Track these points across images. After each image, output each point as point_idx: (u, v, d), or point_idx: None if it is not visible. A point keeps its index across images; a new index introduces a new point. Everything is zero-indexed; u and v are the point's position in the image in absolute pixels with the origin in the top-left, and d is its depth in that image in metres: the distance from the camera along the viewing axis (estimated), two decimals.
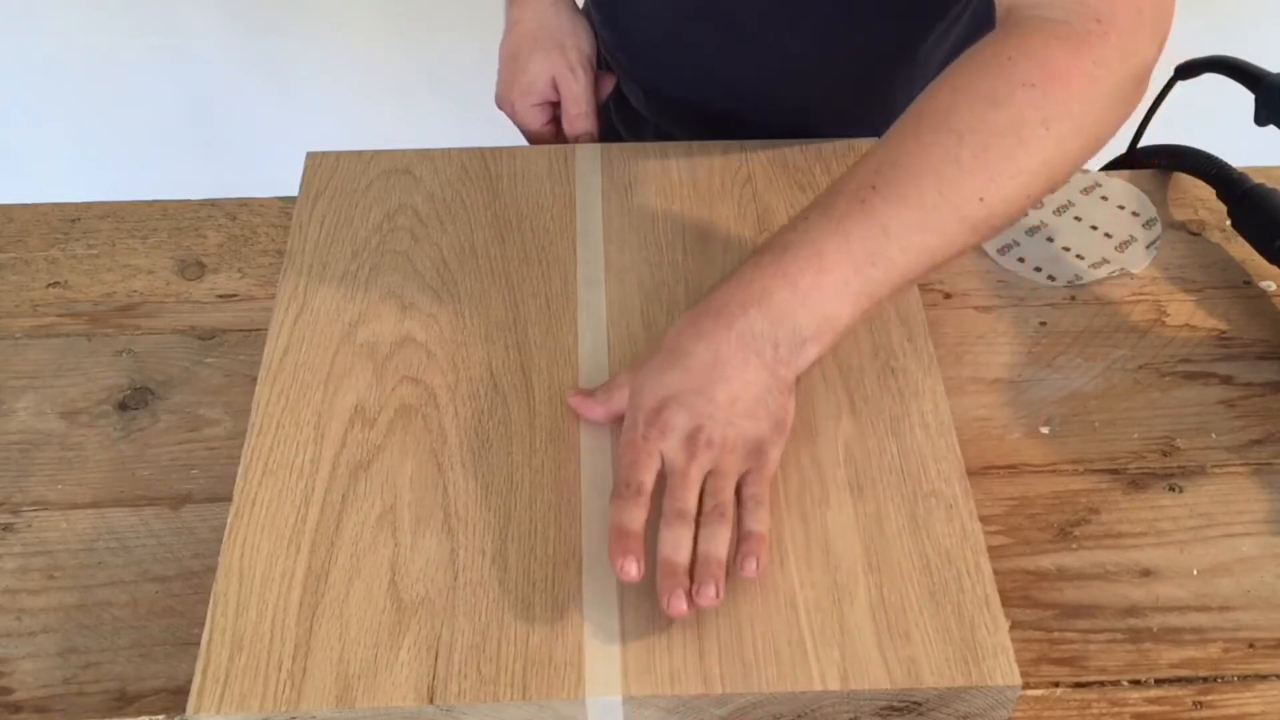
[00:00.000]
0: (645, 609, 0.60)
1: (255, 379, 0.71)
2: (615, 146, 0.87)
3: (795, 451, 0.67)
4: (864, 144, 0.86)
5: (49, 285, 0.86)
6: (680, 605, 0.58)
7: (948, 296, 0.84)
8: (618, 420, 0.67)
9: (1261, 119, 0.85)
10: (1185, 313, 0.83)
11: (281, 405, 0.69)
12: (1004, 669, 0.58)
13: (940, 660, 0.58)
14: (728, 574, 0.59)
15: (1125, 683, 0.65)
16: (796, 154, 0.85)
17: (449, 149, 0.86)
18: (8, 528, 0.71)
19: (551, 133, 0.98)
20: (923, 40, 0.89)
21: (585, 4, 1.01)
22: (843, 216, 0.63)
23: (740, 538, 0.61)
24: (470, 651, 0.59)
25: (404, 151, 0.86)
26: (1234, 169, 0.88)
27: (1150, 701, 0.65)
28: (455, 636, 0.59)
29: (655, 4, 0.93)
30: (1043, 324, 0.82)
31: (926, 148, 0.63)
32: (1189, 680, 0.65)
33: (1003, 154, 0.62)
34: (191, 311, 0.84)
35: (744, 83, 0.93)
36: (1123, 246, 0.87)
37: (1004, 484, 0.74)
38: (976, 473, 0.73)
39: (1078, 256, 0.86)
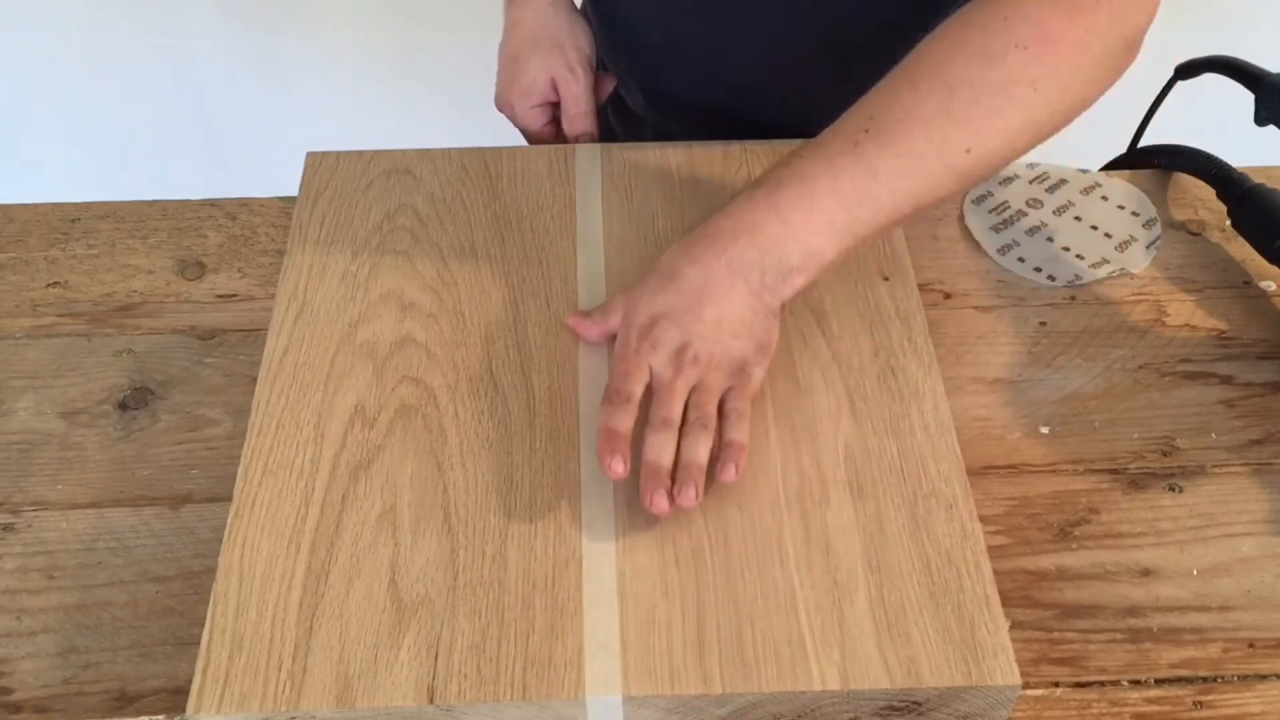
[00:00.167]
0: (645, 609, 0.60)
1: (255, 379, 0.71)
2: (615, 146, 0.87)
3: (795, 451, 0.67)
4: None
5: (49, 285, 0.86)
6: (662, 503, 0.62)
7: (948, 296, 0.84)
8: (613, 339, 0.70)
9: (1261, 119, 0.85)
10: (1185, 313, 0.83)
11: (281, 405, 0.69)
12: (1004, 669, 0.58)
13: (940, 660, 0.58)
14: (708, 482, 0.64)
15: (1125, 683, 0.65)
16: None
17: (449, 149, 0.86)
18: (8, 528, 0.71)
19: (551, 133, 0.98)
20: (922, 34, 0.89)
21: (583, 4, 1.01)
22: (835, 157, 0.67)
23: (721, 446, 0.65)
24: (470, 651, 0.59)
25: (404, 151, 0.86)
26: (1234, 169, 0.88)
27: (1150, 701, 0.65)
28: (455, 636, 0.59)
29: (652, 1, 0.93)
30: (1043, 324, 0.82)
31: (920, 98, 0.66)
32: (1189, 680, 0.65)
33: (991, 110, 0.66)
34: (191, 311, 0.84)
35: (742, 79, 0.93)
36: (1123, 246, 0.87)
37: (1004, 484, 0.74)
38: (976, 473, 0.73)
39: (1078, 256, 0.86)
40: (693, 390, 0.66)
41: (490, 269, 0.78)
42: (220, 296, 0.85)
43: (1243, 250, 0.87)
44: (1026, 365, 0.80)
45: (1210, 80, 0.90)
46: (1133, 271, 0.86)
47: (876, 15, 0.86)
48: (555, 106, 0.97)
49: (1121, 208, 0.90)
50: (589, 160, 0.85)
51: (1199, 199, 0.91)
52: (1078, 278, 0.85)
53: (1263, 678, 0.65)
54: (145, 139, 1.83)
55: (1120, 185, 0.92)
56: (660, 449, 0.64)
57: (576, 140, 0.95)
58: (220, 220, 0.91)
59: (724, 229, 0.68)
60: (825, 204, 0.66)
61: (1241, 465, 0.74)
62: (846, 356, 0.72)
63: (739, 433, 0.65)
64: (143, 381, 0.79)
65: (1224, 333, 0.82)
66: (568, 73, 0.95)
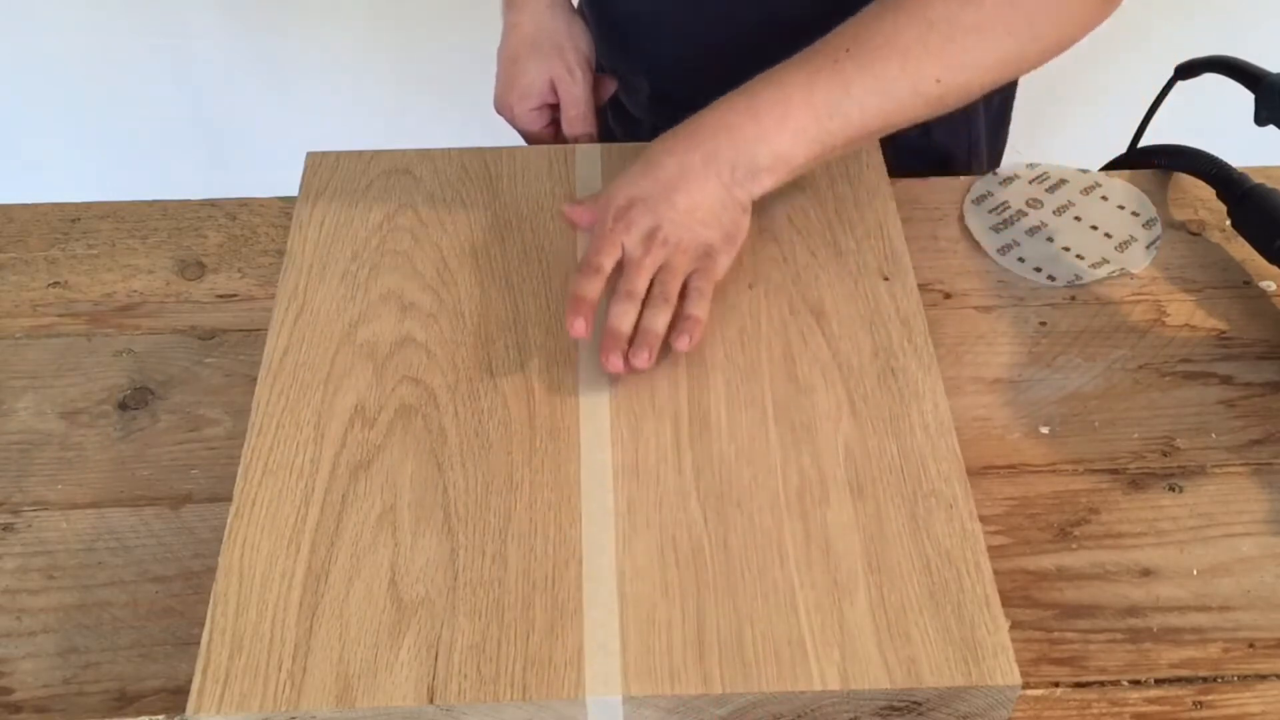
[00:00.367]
0: (645, 609, 0.60)
1: (255, 379, 0.71)
2: (615, 147, 0.87)
3: (795, 451, 0.67)
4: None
5: (49, 285, 0.86)
6: (617, 363, 0.69)
7: (948, 296, 0.84)
8: None
9: (1261, 119, 0.85)
10: (1185, 313, 0.83)
11: (281, 405, 0.69)
12: (1004, 669, 0.58)
13: (940, 660, 0.58)
14: (664, 350, 0.70)
15: (1125, 683, 0.65)
16: None
17: (449, 149, 0.86)
18: (8, 528, 0.71)
19: (551, 135, 0.98)
20: None
21: (579, 4, 1.01)
22: (814, 72, 0.72)
23: (679, 318, 0.71)
24: (470, 651, 0.59)
25: (404, 151, 0.86)
26: (1234, 169, 0.88)
27: (1150, 701, 0.65)
28: (455, 636, 0.59)
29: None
30: (1043, 324, 0.82)
31: (900, 29, 0.71)
32: (1189, 680, 0.65)
33: (964, 48, 0.71)
34: (191, 311, 0.84)
35: (743, 76, 0.93)
36: (1123, 246, 0.87)
37: (1004, 484, 0.74)
38: (976, 473, 0.73)
39: (1078, 256, 0.86)
40: (659, 269, 0.72)
41: (490, 269, 0.78)
42: (220, 296, 0.85)
43: (1243, 250, 0.87)
44: (1026, 365, 0.80)
45: (1210, 80, 0.90)
46: (1133, 271, 0.86)
47: None
48: (554, 108, 0.97)
49: (1121, 208, 0.90)
50: (589, 160, 0.86)
51: (1199, 199, 0.91)
52: (1078, 278, 0.85)
53: (1263, 678, 0.65)
54: (145, 139, 1.83)
55: (1120, 185, 0.92)
56: (622, 317, 0.70)
57: (576, 141, 0.95)
58: (220, 220, 0.91)
59: (704, 126, 0.73)
60: (799, 113, 0.71)
61: (1241, 465, 0.74)
62: (846, 356, 0.72)
63: (698, 309, 0.71)
64: (143, 381, 0.79)
65: (1224, 333, 0.82)
66: (567, 74, 0.95)
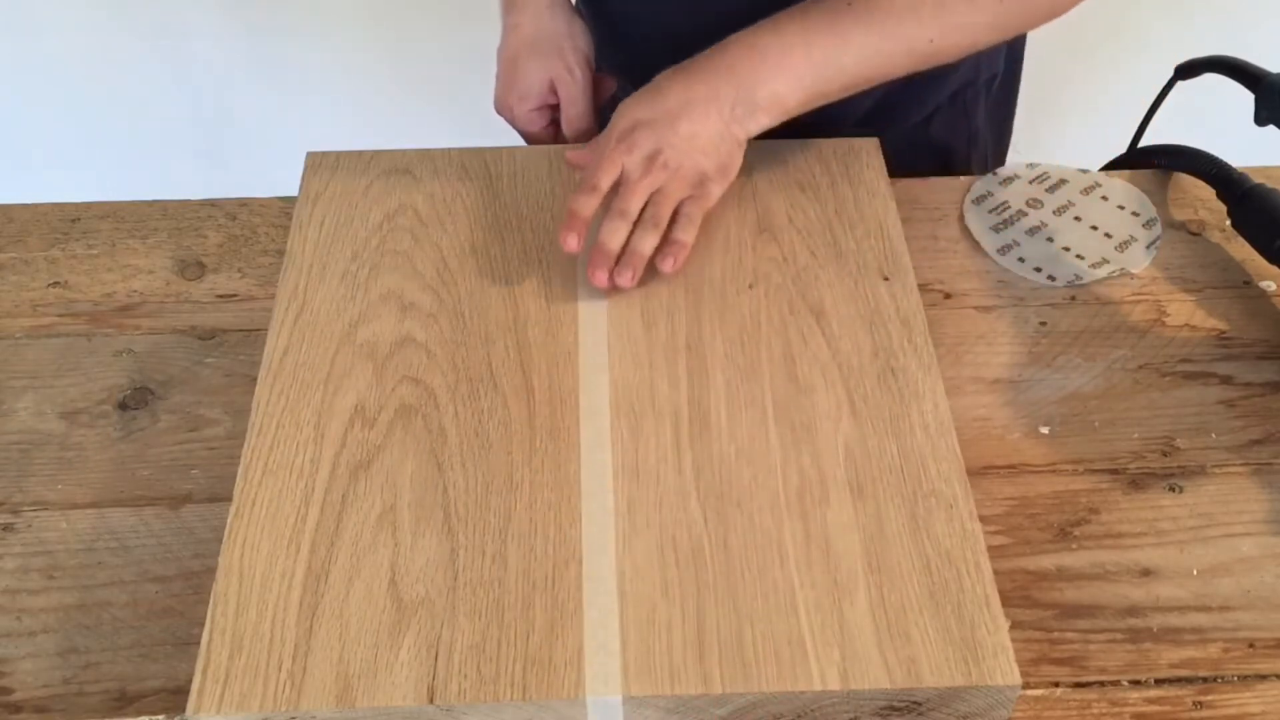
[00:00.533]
0: (645, 609, 0.60)
1: (255, 379, 0.71)
2: None
3: (795, 451, 0.67)
4: (864, 143, 0.86)
5: (49, 285, 0.86)
6: (602, 277, 0.74)
7: (948, 296, 0.84)
8: None
9: (1261, 119, 0.85)
10: (1185, 313, 0.83)
11: (281, 405, 0.69)
12: (1004, 669, 0.58)
13: (940, 660, 0.58)
14: (649, 273, 0.75)
15: (1125, 683, 0.65)
16: (796, 154, 0.85)
17: (449, 149, 0.86)
18: (8, 528, 0.71)
19: (551, 136, 0.98)
20: None
21: (577, 3, 1.01)
22: (814, 22, 0.77)
23: (666, 242, 0.75)
24: (470, 651, 0.59)
25: (404, 151, 0.86)
26: (1234, 169, 0.88)
27: (1150, 701, 0.65)
28: (455, 636, 0.59)
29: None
30: (1043, 324, 0.82)
31: None
32: (1189, 680, 0.65)
33: (956, 13, 0.76)
34: (191, 311, 0.84)
35: None
36: (1123, 246, 0.87)
37: (1004, 484, 0.74)
38: (976, 473, 0.73)
39: (1078, 256, 0.86)
40: (654, 192, 0.76)
41: (490, 269, 0.78)
42: (220, 296, 0.85)
43: (1243, 250, 0.87)
44: (1026, 365, 0.80)
45: (1210, 80, 0.90)
46: (1133, 271, 0.86)
47: None
48: (555, 109, 0.97)
49: (1121, 208, 0.90)
50: None
51: (1199, 199, 0.91)
52: (1078, 278, 0.85)
53: (1263, 678, 0.65)
54: (145, 139, 1.83)
55: (1120, 185, 0.92)
56: (612, 234, 0.75)
57: (576, 141, 0.95)
58: (220, 220, 0.91)
59: (709, 64, 0.78)
60: (797, 60, 0.76)
61: (1241, 465, 0.74)
62: (846, 356, 0.72)
63: (685, 234, 0.76)
64: (143, 381, 0.79)
65: (1224, 333, 0.82)
66: (566, 75, 0.95)
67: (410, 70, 1.79)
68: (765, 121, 0.78)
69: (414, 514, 0.64)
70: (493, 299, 0.76)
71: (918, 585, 0.61)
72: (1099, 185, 0.92)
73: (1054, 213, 0.89)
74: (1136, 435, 0.76)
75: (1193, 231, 0.89)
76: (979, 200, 0.90)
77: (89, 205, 0.91)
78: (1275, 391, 0.78)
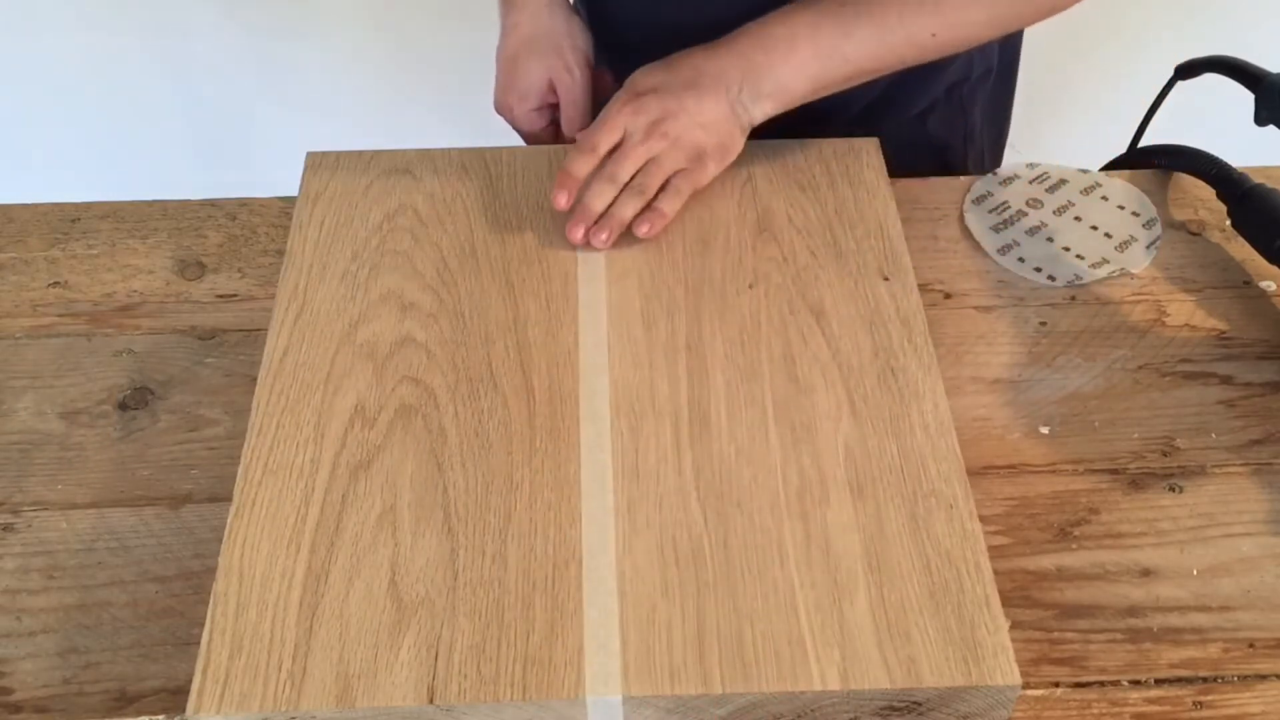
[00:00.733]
0: (645, 609, 0.60)
1: (255, 379, 0.71)
2: None
3: (795, 451, 0.67)
4: (864, 143, 0.86)
5: (49, 285, 0.86)
6: (577, 234, 0.77)
7: (948, 296, 0.84)
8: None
9: (1261, 119, 0.85)
10: (1185, 313, 0.83)
11: (281, 405, 0.69)
12: (1004, 669, 0.58)
13: (940, 660, 0.58)
14: (625, 234, 0.77)
15: (1125, 683, 0.65)
16: (796, 154, 0.85)
17: (449, 149, 0.86)
18: (8, 528, 0.71)
19: (551, 135, 0.98)
20: None
21: (575, 3, 1.01)
22: (820, 15, 0.79)
23: (648, 208, 0.78)
24: (470, 651, 0.59)
25: (404, 151, 0.86)
26: (1234, 169, 0.88)
27: (1150, 701, 0.65)
28: (455, 636, 0.59)
29: None
30: (1043, 324, 0.82)
31: None
32: (1189, 680, 0.65)
33: (959, 7, 0.78)
34: (191, 311, 0.84)
35: None
36: (1123, 246, 0.87)
37: (1004, 484, 0.74)
38: (976, 473, 0.73)
39: (1078, 256, 0.86)
40: (649, 161, 0.78)
41: (490, 269, 0.78)
42: (220, 296, 0.85)
43: (1243, 250, 0.87)
44: (1026, 365, 0.80)
45: (1210, 80, 0.90)
46: (1133, 271, 0.86)
47: None
48: (554, 108, 0.97)
49: (1121, 208, 0.90)
50: None
51: (1199, 199, 0.91)
52: (1078, 278, 0.85)
53: (1263, 678, 0.65)
54: (145, 139, 1.83)
55: (1120, 185, 0.92)
56: (597, 196, 0.78)
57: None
58: (220, 220, 0.91)
59: (721, 49, 0.81)
60: (803, 50, 0.79)
61: (1241, 465, 0.74)
62: (846, 356, 0.72)
63: (668, 205, 0.78)
64: (143, 381, 0.79)
65: (1224, 333, 0.82)
66: (565, 73, 0.95)
67: (410, 70, 1.79)
68: (769, 108, 0.80)
69: (414, 514, 0.64)
70: (493, 299, 0.76)
71: (918, 585, 0.61)
72: (1099, 185, 0.92)
73: (1054, 213, 0.89)
74: (1136, 435, 0.76)
75: (1193, 231, 0.89)
76: (979, 200, 0.90)
77: (89, 205, 0.91)
78: (1275, 391, 0.78)
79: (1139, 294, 0.84)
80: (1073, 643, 0.67)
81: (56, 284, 0.86)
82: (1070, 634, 0.67)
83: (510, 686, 0.57)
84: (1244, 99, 0.86)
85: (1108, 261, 0.86)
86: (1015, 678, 0.58)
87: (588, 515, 0.64)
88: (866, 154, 0.85)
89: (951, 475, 0.66)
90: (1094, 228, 0.88)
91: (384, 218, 0.81)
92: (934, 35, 0.79)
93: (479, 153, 0.86)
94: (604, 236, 0.77)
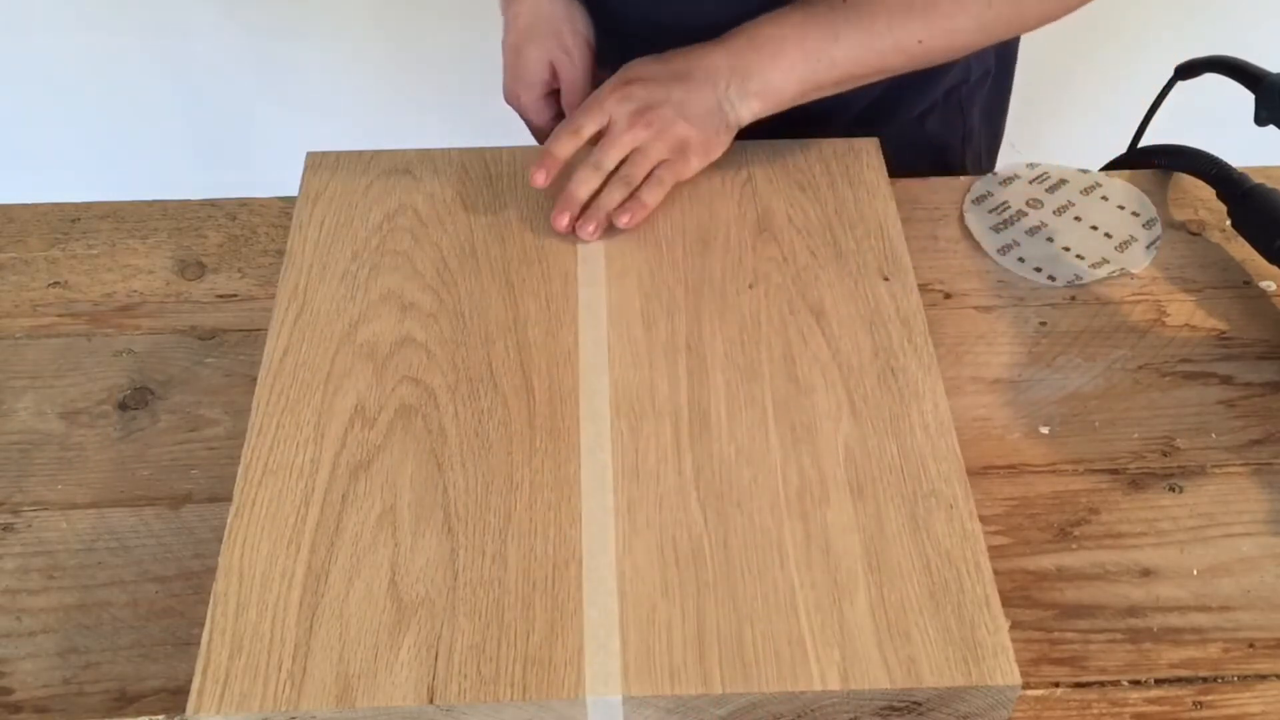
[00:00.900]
0: (645, 609, 0.60)
1: (255, 379, 0.71)
2: None
3: (795, 451, 0.67)
4: (864, 143, 0.86)
5: (49, 285, 0.86)
6: (561, 222, 0.78)
7: (948, 296, 0.84)
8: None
9: (1261, 119, 0.85)
10: (1185, 313, 0.83)
11: (281, 405, 0.69)
12: (1004, 669, 0.58)
13: (940, 660, 0.58)
14: (619, 231, 0.78)
15: (1125, 683, 0.65)
16: (796, 154, 0.85)
17: (449, 149, 0.86)
18: (8, 528, 0.71)
19: None
20: None
21: None
22: (809, 18, 0.80)
23: (630, 198, 0.78)
24: (470, 651, 0.59)
25: (404, 151, 0.86)
26: (1234, 169, 0.88)
27: (1150, 701, 0.65)
28: (455, 636, 0.59)
29: None
30: (1043, 324, 0.82)
31: None
32: (1189, 680, 0.65)
33: (946, 15, 0.78)
34: (191, 311, 0.84)
35: None
36: (1123, 246, 0.87)
37: (1004, 484, 0.74)
38: (976, 473, 0.73)
39: (1078, 256, 0.86)
40: (633, 150, 0.79)
41: (490, 269, 0.78)
42: (220, 296, 0.85)
43: (1243, 250, 0.87)
44: (1026, 365, 0.80)
45: (1210, 80, 0.90)
46: (1133, 271, 0.86)
47: None
48: (560, 96, 0.97)
49: (1121, 208, 0.90)
50: None
51: (1199, 199, 0.91)
52: (1078, 278, 0.85)
53: (1263, 678, 0.65)
54: (145, 139, 1.83)
55: (1120, 185, 0.92)
56: (582, 184, 0.78)
57: None
58: (220, 220, 0.91)
59: (714, 50, 0.81)
60: (791, 53, 0.79)
61: (1241, 465, 0.74)
62: (846, 356, 0.72)
63: (650, 196, 0.79)
64: (143, 381, 0.79)
65: (1224, 333, 0.82)
66: (565, 56, 0.95)
67: (410, 70, 1.79)
68: (757, 108, 0.80)
69: (414, 514, 0.64)
70: (493, 299, 0.76)
71: (918, 585, 0.61)
72: (1099, 185, 0.92)
73: (1054, 213, 0.89)
74: (1136, 435, 0.76)
75: (1193, 231, 0.89)
76: (979, 200, 0.90)
77: (89, 205, 0.91)
78: (1275, 391, 0.78)
79: (1139, 294, 0.84)
80: (1073, 643, 0.67)
81: (56, 284, 0.86)
82: (1070, 634, 0.67)
83: (510, 686, 0.57)
84: (1244, 99, 0.86)
85: (1108, 261, 0.86)
86: (1015, 678, 0.58)
87: (588, 515, 0.64)
88: (866, 154, 0.85)
89: (951, 475, 0.66)
90: (1094, 228, 0.88)
91: (384, 218, 0.81)
92: (921, 42, 0.79)
93: (479, 153, 0.86)
94: (591, 228, 0.77)
